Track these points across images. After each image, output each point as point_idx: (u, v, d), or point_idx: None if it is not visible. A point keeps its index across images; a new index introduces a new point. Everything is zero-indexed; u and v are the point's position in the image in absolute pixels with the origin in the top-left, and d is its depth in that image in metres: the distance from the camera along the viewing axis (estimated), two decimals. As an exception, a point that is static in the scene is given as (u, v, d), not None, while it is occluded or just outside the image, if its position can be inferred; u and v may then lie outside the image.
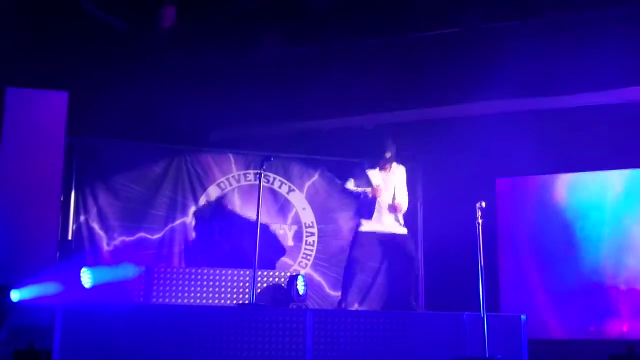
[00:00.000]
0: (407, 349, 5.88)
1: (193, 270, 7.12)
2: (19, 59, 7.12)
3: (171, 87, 7.94)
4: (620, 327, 8.18)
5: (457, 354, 5.94)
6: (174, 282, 6.99)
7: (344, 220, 8.82)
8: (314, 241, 8.83)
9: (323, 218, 8.91)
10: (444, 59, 7.67)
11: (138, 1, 7.20)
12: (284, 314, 5.77)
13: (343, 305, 6.79)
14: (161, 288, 6.93)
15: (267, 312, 5.76)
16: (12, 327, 6.35)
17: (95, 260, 7.85)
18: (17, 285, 6.51)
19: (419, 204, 8.99)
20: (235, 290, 7.08)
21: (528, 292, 8.57)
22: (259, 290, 6.94)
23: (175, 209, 8.41)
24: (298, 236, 8.81)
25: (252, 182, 8.64)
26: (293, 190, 8.89)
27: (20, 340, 6.03)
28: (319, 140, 8.89)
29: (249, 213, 8.52)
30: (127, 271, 7.07)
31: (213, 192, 8.60)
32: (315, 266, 8.75)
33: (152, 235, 8.27)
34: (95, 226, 8.08)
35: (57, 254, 7.28)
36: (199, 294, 7.00)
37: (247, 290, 6.99)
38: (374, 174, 7.00)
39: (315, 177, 8.99)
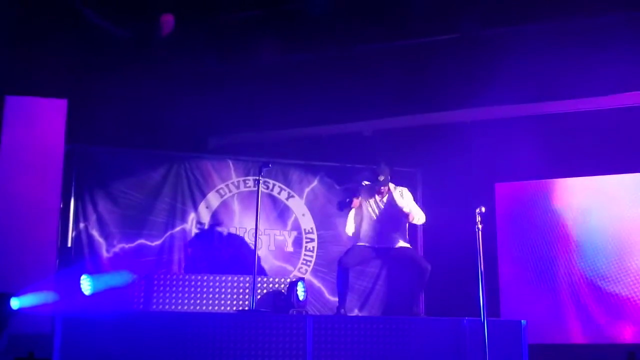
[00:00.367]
0: (407, 354, 5.87)
1: (193, 277, 7.10)
2: (18, 67, 7.13)
3: (170, 94, 7.96)
4: (622, 332, 8.16)
5: (457, 359, 5.93)
6: (174, 289, 6.97)
7: (344, 226, 8.79)
8: (313, 247, 8.83)
9: (322, 224, 8.90)
10: (443, 65, 7.70)
11: (137, 9, 7.21)
12: (284, 320, 5.76)
13: (342, 311, 6.77)
14: (161, 295, 6.92)
15: (267, 318, 5.75)
16: (12, 335, 6.34)
17: (95, 267, 7.84)
18: (17, 292, 6.50)
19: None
20: (235, 296, 7.06)
21: (528, 297, 8.57)
22: (259, 297, 6.94)
23: (174, 215, 8.41)
24: (298, 242, 8.81)
25: (252, 188, 8.65)
26: (292, 196, 8.90)
27: (20, 348, 6.02)
28: (319, 146, 8.90)
29: (249, 219, 8.52)
30: (121, 278, 7.06)
31: (212, 198, 8.60)
32: (315, 272, 8.74)
33: (152, 242, 8.26)
34: (95, 233, 8.08)
35: (57, 262, 7.28)
36: (198, 301, 6.98)
37: (247, 296, 6.99)
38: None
39: (315, 183, 9.00)
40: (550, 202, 8.78)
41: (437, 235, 8.70)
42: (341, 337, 5.77)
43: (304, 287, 7.10)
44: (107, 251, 8.07)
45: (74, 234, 8.00)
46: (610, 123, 8.09)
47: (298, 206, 8.90)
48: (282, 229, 8.77)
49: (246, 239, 8.53)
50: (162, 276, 7.06)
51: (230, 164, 8.74)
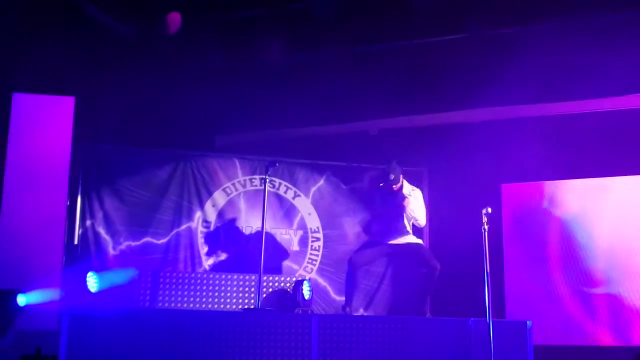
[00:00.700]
0: (412, 354, 5.88)
1: (199, 275, 7.13)
2: (25, 65, 7.15)
3: (177, 92, 7.97)
4: (629, 335, 8.13)
5: (462, 359, 5.93)
6: (180, 286, 6.98)
7: (350, 226, 8.84)
8: (319, 246, 8.83)
9: (328, 223, 8.90)
10: (450, 65, 7.69)
11: (144, 7, 7.22)
12: (290, 318, 5.78)
13: (347, 310, 6.78)
14: (167, 293, 6.92)
15: (273, 317, 5.76)
16: (19, 331, 6.36)
17: (101, 265, 7.86)
18: (24, 289, 6.53)
19: (424, 209, 8.98)
20: (240, 295, 7.07)
21: (534, 298, 8.54)
22: (264, 295, 6.95)
23: (181, 213, 8.42)
24: (304, 241, 8.81)
25: (258, 187, 8.65)
26: (299, 195, 8.90)
27: (27, 344, 6.05)
28: (325, 145, 8.90)
29: (255, 218, 8.53)
30: (127, 276, 7.07)
31: (219, 197, 8.61)
32: (320, 271, 8.74)
33: (158, 240, 8.27)
34: (101, 231, 8.09)
35: (63, 259, 7.29)
36: (204, 299, 6.99)
37: (252, 295, 7.00)
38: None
39: (321, 182, 8.99)
40: (556, 203, 8.75)
41: (443, 235, 8.70)
42: (346, 336, 5.77)
43: (309, 286, 7.11)
44: (114, 249, 8.09)
45: (80, 232, 8.02)
46: (619, 124, 8.07)
47: (304, 205, 8.90)
48: (288, 228, 8.78)
49: (252, 237, 8.53)
50: (168, 274, 7.08)
51: (237, 163, 8.74)
